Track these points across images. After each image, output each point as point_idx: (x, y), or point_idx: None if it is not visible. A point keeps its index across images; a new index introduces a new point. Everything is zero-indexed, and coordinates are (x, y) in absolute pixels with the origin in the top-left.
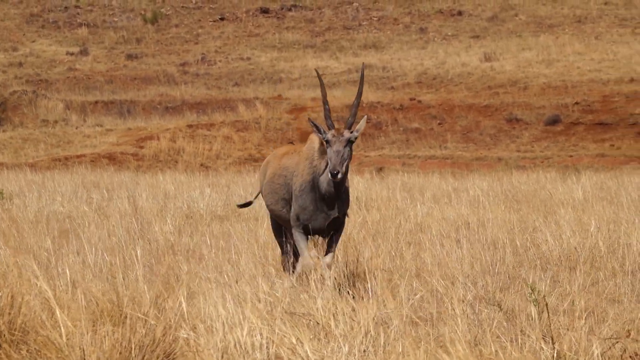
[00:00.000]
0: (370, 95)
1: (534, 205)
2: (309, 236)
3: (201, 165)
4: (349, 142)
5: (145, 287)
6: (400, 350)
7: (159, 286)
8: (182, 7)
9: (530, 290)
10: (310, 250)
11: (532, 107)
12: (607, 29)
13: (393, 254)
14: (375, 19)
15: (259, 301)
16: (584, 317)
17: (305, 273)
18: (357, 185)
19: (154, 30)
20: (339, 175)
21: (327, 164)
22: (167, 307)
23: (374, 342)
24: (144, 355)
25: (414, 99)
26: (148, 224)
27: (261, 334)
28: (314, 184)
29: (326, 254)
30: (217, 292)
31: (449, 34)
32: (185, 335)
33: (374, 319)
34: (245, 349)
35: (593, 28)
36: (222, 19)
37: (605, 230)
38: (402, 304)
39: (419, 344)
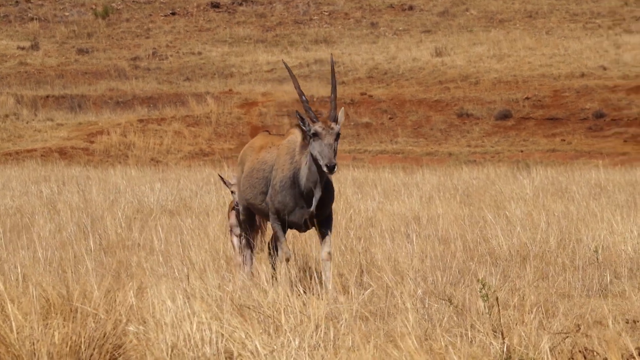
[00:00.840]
0: (321, 90)
1: (485, 200)
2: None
3: (152, 159)
4: (338, 135)
5: (96, 282)
6: (350, 344)
7: (109, 280)
8: (133, 1)
9: (480, 285)
10: (286, 243)
11: (482, 102)
12: (558, 24)
13: (343, 248)
14: (326, 13)
15: (209, 295)
16: (533, 312)
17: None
18: None
19: (105, 25)
20: (336, 169)
21: (309, 159)
22: (117, 301)
23: (324, 336)
24: (94, 349)
25: (365, 94)
26: (99, 218)
27: (210, 329)
28: (294, 180)
29: (323, 245)
30: (167, 286)
31: (400, 28)
32: (134, 330)
33: (324, 313)
34: (194, 343)
35: (544, 23)
36: (173, 13)
37: (556, 226)
38: (352, 299)
39: (369, 339)
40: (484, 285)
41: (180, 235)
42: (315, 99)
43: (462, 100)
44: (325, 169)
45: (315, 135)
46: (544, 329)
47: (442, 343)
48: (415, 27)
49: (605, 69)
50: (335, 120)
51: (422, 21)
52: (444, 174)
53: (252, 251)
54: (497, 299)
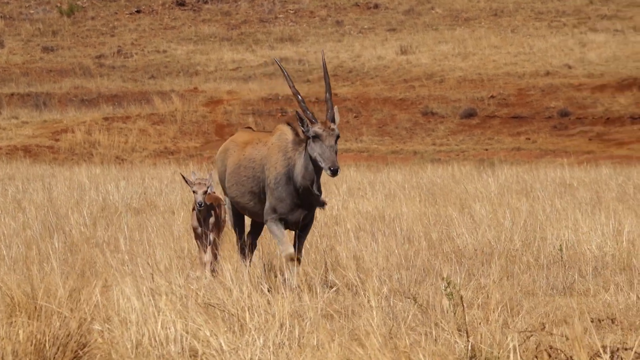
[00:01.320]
0: (285, 88)
1: (450, 199)
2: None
3: (117, 158)
4: (338, 136)
5: (60, 280)
6: (315, 343)
7: (74, 279)
8: None
9: (445, 284)
10: (287, 241)
11: (447, 101)
12: (524, 23)
13: (308, 247)
14: (291, 12)
15: (174, 294)
16: (498, 311)
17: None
18: None
19: (70, 23)
20: (339, 172)
21: (304, 157)
22: (82, 299)
23: (288, 334)
24: (59, 348)
25: None
26: (64, 216)
27: (175, 327)
28: (289, 177)
29: (296, 249)
30: (131, 284)
31: (365, 27)
32: (99, 328)
33: (289, 311)
34: (159, 341)
35: (509, 21)
36: (138, 11)
37: (521, 224)
38: (317, 297)
39: (333, 337)
40: (448, 284)
41: (145, 234)
42: (280, 97)
43: (427, 98)
44: (328, 172)
45: (316, 137)
46: (509, 328)
47: (407, 341)
48: (380, 26)
49: (570, 67)
50: (334, 121)
51: (387, 19)
52: (409, 173)
53: (245, 252)
54: (461, 297)
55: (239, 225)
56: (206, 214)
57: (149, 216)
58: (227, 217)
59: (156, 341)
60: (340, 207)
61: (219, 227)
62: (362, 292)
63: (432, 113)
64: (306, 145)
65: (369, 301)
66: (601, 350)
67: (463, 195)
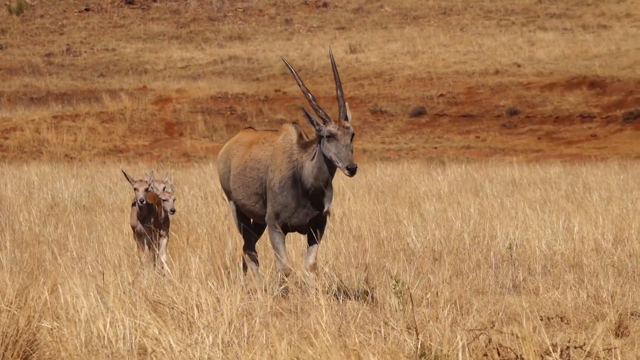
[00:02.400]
0: (235, 87)
1: (399, 197)
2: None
3: (66, 156)
4: (353, 135)
5: (9, 278)
6: (264, 341)
7: (23, 277)
8: None
9: (394, 282)
10: (286, 254)
11: (397, 99)
12: (472, 21)
13: (257, 244)
14: (240, 10)
15: (123, 292)
16: (448, 309)
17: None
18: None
19: (19, 21)
20: (357, 170)
21: (312, 158)
22: (31, 297)
23: (237, 333)
24: (7, 345)
25: (279, 91)
26: (12, 214)
27: (124, 325)
28: (295, 180)
29: (309, 253)
30: (80, 282)
31: (314, 25)
32: (48, 326)
33: (238, 309)
34: (108, 339)
35: (458, 20)
36: (87, 9)
37: (470, 222)
38: (266, 295)
39: (283, 335)
40: (397, 282)
41: (94, 232)
42: (229, 96)
43: (376, 97)
44: (346, 172)
45: (330, 136)
46: (459, 326)
47: (356, 340)
48: (329, 24)
49: (519, 66)
50: (347, 119)
51: (337, 18)
52: (358, 171)
53: (252, 256)
54: (411, 295)
55: (245, 229)
56: (147, 212)
57: (98, 214)
58: (233, 220)
59: (105, 339)
60: None
61: (159, 225)
62: (312, 291)
63: (381, 111)
64: (319, 145)
65: (318, 299)
66: (550, 349)
67: (413, 194)
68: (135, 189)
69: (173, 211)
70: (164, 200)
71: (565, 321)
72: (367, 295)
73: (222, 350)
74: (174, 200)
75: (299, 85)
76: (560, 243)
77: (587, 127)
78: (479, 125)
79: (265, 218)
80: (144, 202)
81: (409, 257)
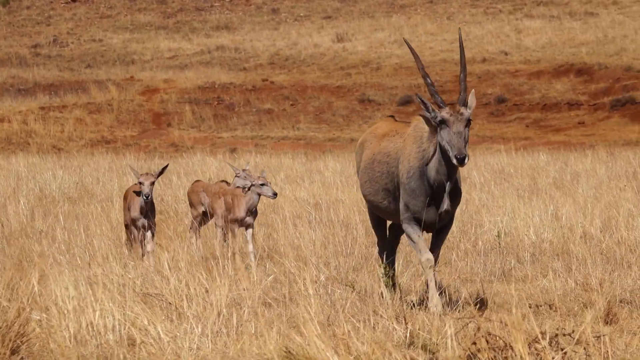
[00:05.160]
0: (222, 77)
1: None
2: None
3: (53, 147)
4: (468, 122)
5: None
6: (253, 331)
7: (12, 269)
8: None
9: (382, 271)
10: (425, 247)
11: (384, 88)
12: (459, 9)
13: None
14: (227, 0)
15: (112, 283)
16: (437, 297)
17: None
18: (210, 166)
19: (5, 12)
20: (466, 160)
21: (437, 148)
22: (20, 289)
23: (226, 323)
24: None
25: (267, 80)
26: (0, 206)
27: (113, 316)
28: (422, 171)
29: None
30: (69, 274)
31: (301, 14)
32: (37, 318)
33: (226, 299)
34: (97, 330)
35: (445, 8)
36: (74, 0)
37: (458, 211)
38: (255, 285)
39: (272, 325)
40: (386, 271)
41: (82, 223)
42: (217, 86)
43: (363, 86)
44: (454, 160)
45: (443, 122)
46: (447, 314)
47: (345, 329)
48: (316, 13)
49: (506, 54)
50: (465, 105)
51: (323, 7)
52: (346, 160)
53: (387, 257)
54: (399, 285)
55: (378, 228)
56: (151, 206)
57: (86, 205)
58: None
59: (94, 330)
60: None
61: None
62: (300, 280)
63: (368, 100)
64: (437, 134)
65: (306, 289)
66: (539, 336)
67: None
68: (140, 183)
69: (147, 196)
70: (261, 184)
71: (554, 309)
72: (355, 285)
73: (211, 341)
74: (150, 184)
75: (419, 68)
76: (549, 231)
77: (575, 114)
78: None
79: (400, 212)
80: (149, 197)
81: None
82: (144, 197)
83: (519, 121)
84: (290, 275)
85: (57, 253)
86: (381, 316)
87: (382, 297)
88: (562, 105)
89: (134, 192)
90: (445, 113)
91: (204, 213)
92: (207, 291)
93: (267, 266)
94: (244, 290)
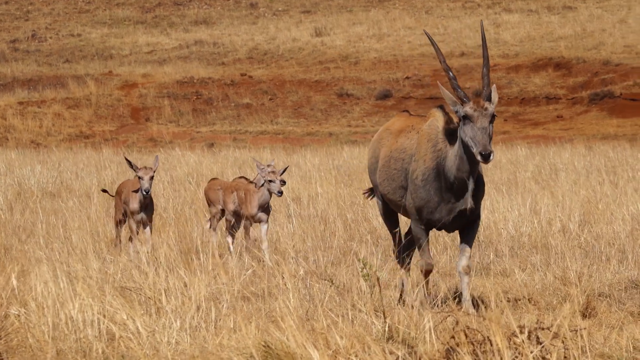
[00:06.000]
0: (200, 71)
1: (365, 180)
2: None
3: (32, 142)
4: (493, 117)
5: None
6: (232, 325)
7: None
8: None
9: (361, 265)
10: (429, 251)
11: (363, 82)
12: (438, 4)
13: (224, 229)
14: None
15: (90, 277)
16: (415, 292)
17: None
18: (188, 160)
19: None
20: (491, 157)
21: (460, 145)
22: None
23: (205, 317)
24: None
25: (245, 75)
26: None
27: (92, 310)
28: (439, 171)
29: (461, 255)
30: (48, 268)
31: (280, 9)
32: (16, 312)
33: (205, 294)
34: (76, 325)
35: (423, 2)
36: None
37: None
38: (233, 280)
39: (250, 319)
40: (365, 265)
41: (61, 218)
42: (195, 80)
43: (342, 80)
44: (479, 157)
45: (466, 118)
46: (426, 308)
47: (324, 323)
48: (294, 8)
49: None
50: (490, 99)
51: (302, 1)
52: (324, 154)
53: (402, 255)
54: (378, 278)
55: (392, 224)
56: (150, 200)
57: (65, 200)
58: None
59: (73, 325)
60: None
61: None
62: (279, 274)
63: (347, 95)
64: (459, 130)
65: (285, 283)
66: (518, 330)
67: None
68: (139, 178)
69: (147, 191)
70: (270, 181)
71: (533, 302)
72: (334, 279)
73: (190, 335)
74: (150, 178)
75: (440, 62)
76: (527, 225)
77: (553, 108)
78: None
79: (409, 212)
80: (149, 193)
81: (376, 240)
82: (144, 193)
83: (497, 115)
84: (268, 270)
85: (36, 248)
86: (360, 310)
87: (361, 291)
88: (541, 99)
89: (133, 191)
90: (469, 108)
91: (223, 211)
92: (185, 285)
93: (246, 260)
94: (223, 284)
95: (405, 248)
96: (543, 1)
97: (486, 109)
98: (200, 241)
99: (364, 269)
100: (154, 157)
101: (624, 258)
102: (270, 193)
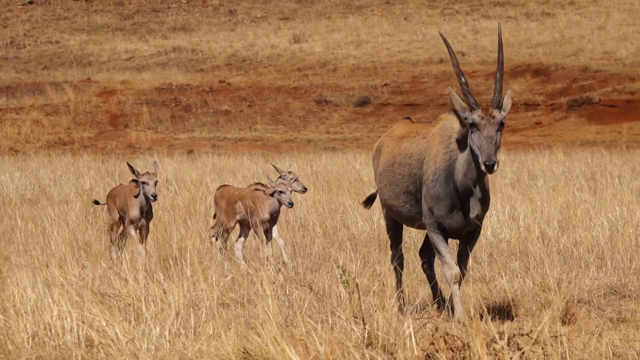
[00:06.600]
0: (179, 78)
1: (344, 187)
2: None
3: (10, 149)
4: (501, 125)
5: None
6: (212, 332)
7: None
8: None
9: (340, 271)
10: (450, 257)
11: (341, 89)
12: (416, 10)
13: (203, 235)
14: (184, 1)
15: (69, 284)
16: (394, 298)
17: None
18: (167, 166)
19: None
20: (496, 167)
21: (468, 152)
22: None
23: (184, 323)
24: None
25: (224, 82)
26: None
27: (71, 317)
28: (449, 173)
29: (459, 263)
30: (27, 275)
31: (258, 15)
32: None
33: (184, 300)
34: (55, 332)
35: (402, 9)
36: (30, 2)
37: None
38: (213, 286)
39: (229, 326)
40: (344, 272)
41: (40, 225)
42: (174, 87)
43: (320, 87)
44: (482, 167)
45: (474, 125)
46: (405, 315)
47: (304, 329)
48: (273, 14)
49: (463, 54)
50: (500, 107)
51: (280, 8)
52: (303, 161)
53: (397, 266)
54: (357, 285)
55: (394, 234)
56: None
57: (43, 207)
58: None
59: (52, 332)
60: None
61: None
62: (258, 281)
63: (325, 101)
64: (468, 136)
65: (264, 290)
66: (497, 336)
67: (357, 183)
68: (143, 183)
69: (155, 196)
70: (280, 192)
71: (512, 309)
72: (313, 285)
73: (169, 341)
74: (155, 183)
75: (453, 66)
76: (506, 231)
77: (532, 114)
78: (424, 114)
79: (423, 218)
80: (156, 198)
81: (355, 246)
82: (152, 197)
83: None
84: (248, 276)
85: (15, 255)
86: (339, 316)
87: (340, 297)
88: (519, 105)
89: (134, 196)
90: (476, 116)
91: (240, 221)
92: (165, 292)
93: (225, 266)
94: (202, 291)
95: (395, 259)
96: (522, 8)
97: (494, 117)
98: (178, 247)
99: (343, 276)
100: (152, 163)
101: (603, 264)
102: (280, 203)
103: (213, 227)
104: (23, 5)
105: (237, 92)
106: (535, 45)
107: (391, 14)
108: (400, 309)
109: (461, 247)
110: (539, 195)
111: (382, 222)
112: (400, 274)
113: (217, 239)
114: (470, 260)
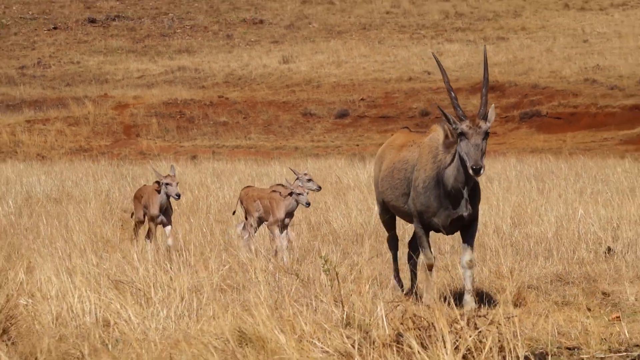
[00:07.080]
0: (184, 93)
1: (326, 187)
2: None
3: (38, 155)
4: (486, 134)
5: None
6: (211, 313)
7: (2, 261)
8: (20, 17)
9: (323, 261)
10: (430, 249)
11: (324, 103)
12: (389, 35)
13: (204, 230)
14: (188, 27)
15: (89, 272)
16: (369, 284)
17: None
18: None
19: None
20: (482, 171)
21: (453, 158)
22: (9, 278)
23: (188, 306)
24: None
25: (222, 97)
26: None
27: (90, 301)
28: (438, 180)
29: (463, 252)
30: (52, 265)
31: (252, 39)
32: (24, 302)
33: (188, 286)
34: (76, 313)
35: (377, 34)
36: (55, 28)
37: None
38: (212, 274)
39: (227, 308)
40: (326, 262)
41: (63, 221)
42: (179, 101)
43: (306, 101)
44: (470, 171)
45: (462, 134)
46: (379, 299)
47: (291, 311)
48: (265, 38)
49: (429, 73)
50: (485, 118)
51: (271, 33)
52: (291, 165)
53: (395, 246)
54: (337, 273)
55: (388, 224)
56: (169, 203)
57: (66, 205)
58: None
59: (73, 313)
60: (232, 196)
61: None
62: (251, 269)
63: (310, 114)
64: (458, 145)
65: (257, 277)
66: (459, 317)
67: (338, 185)
68: (167, 184)
69: (178, 195)
70: (298, 194)
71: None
72: (299, 273)
73: (175, 322)
74: (177, 184)
75: (444, 82)
76: None
77: None
78: (395, 125)
79: (414, 218)
80: (180, 196)
81: (336, 239)
82: (176, 197)
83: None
84: (243, 265)
85: (41, 247)
86: (322, 300)
87: (322, 284)
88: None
89: (156, 190)
90: (464, 126)
91: (259, 218)
92: (171, 279)
93: (223, 257)
94: (203, 278)
95: (392, 242)
96: (480, 33)
97: (480, 126)
98: (183, 240)
99: (325, 265)
100: (169, 167)
101: (550, 255)
102: (297, 203)
103: (244, 228)
104: (48, 30)
105: (234, 106)
106: (491, 65)
107: (367, 38)
108: (399, 282)
109: (463, 241)
110: (495, 195)
111: (359, 219)
112: (395, 255)
113: (243, 234)
114: (473, 247)
